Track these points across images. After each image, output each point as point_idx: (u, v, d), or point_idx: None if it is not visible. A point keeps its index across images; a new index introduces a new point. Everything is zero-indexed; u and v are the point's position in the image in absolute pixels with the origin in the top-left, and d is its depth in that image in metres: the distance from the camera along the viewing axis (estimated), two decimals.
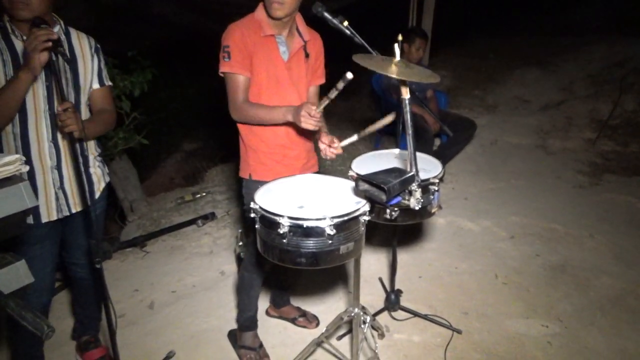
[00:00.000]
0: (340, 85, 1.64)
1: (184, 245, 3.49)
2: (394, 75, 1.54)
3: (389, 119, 1.80)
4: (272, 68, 1.99)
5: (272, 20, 1.95)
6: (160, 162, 5.86)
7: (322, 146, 1.99)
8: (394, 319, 2.59)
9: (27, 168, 1.31)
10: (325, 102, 1.76)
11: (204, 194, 4.32)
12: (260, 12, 1.98)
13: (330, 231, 1.55)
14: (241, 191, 2.21)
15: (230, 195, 4.21)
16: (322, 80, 2.23)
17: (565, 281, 2.89)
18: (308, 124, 1.78)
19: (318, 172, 2.15)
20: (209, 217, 3.80)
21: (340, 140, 1.95)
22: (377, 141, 4.87)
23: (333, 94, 1.69)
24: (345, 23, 1.91)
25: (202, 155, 5.74)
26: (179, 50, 5.18)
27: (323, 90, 2.25)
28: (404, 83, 1.60)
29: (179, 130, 6.12)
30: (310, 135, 2.17)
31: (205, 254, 3.37)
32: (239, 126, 2.09)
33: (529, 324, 2.54)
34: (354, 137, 1.88)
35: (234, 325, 2.49)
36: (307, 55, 2.08)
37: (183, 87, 6.15)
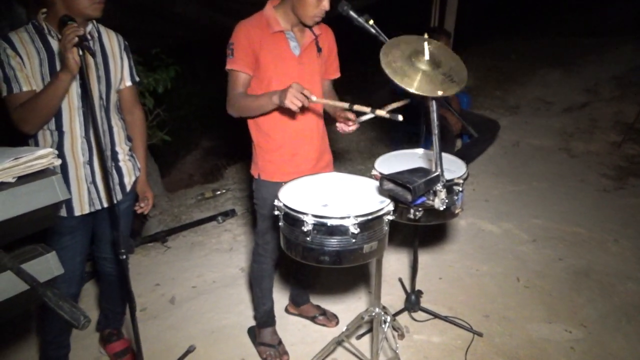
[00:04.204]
0: (380, 114, 1.66)
1: (204, 242, 3.52)
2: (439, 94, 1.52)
3: (403, 102, 1.83)
4: (281, 63, 1.97)
5: (282, 16, 1.95)
6: (179, 158, 5.91)
7: (338, 125, 2.01)
8: (414, 319, 2.58)
9: (60, 161, 1.33)
10: (340, 104, 1.76)
11: (224, 190, 4.35)
12: (268, 9, 1.98)
13: (354, 230, 1.55)
14: None
15: (250, 193, 4.22)
16: (337, 74, 2.21)
17: (589, 286, 2.84)
18: (291, 101, 1.68)
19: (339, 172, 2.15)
20: (229, 214, 3.83)
21: (356, 117, 1.95)
22: (397, 141, 4.84)
23: (363, 115, 1.67)
24: (371, 22, 1.90)
25: (221, 152, 5.78)
26: (199, 48, 5.23)
27: (336, 85, 2.24)
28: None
29: (197, 128, 6.17)
30: (323, 132, 2.16)
31: (225, 250, 3.40)
32: (248, 123, 2.09)
33: (552, 328, 2.51)
34: (370, 114, 1.81)
35: (254, 322, 2.50)
36: (319, 50, 2.06)
37: (202, 84, 6.20)
